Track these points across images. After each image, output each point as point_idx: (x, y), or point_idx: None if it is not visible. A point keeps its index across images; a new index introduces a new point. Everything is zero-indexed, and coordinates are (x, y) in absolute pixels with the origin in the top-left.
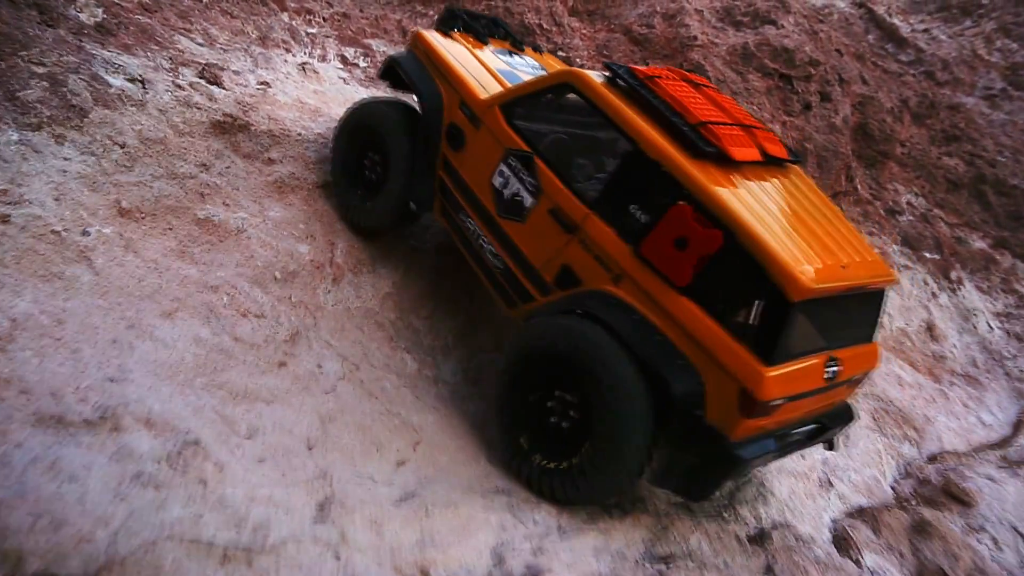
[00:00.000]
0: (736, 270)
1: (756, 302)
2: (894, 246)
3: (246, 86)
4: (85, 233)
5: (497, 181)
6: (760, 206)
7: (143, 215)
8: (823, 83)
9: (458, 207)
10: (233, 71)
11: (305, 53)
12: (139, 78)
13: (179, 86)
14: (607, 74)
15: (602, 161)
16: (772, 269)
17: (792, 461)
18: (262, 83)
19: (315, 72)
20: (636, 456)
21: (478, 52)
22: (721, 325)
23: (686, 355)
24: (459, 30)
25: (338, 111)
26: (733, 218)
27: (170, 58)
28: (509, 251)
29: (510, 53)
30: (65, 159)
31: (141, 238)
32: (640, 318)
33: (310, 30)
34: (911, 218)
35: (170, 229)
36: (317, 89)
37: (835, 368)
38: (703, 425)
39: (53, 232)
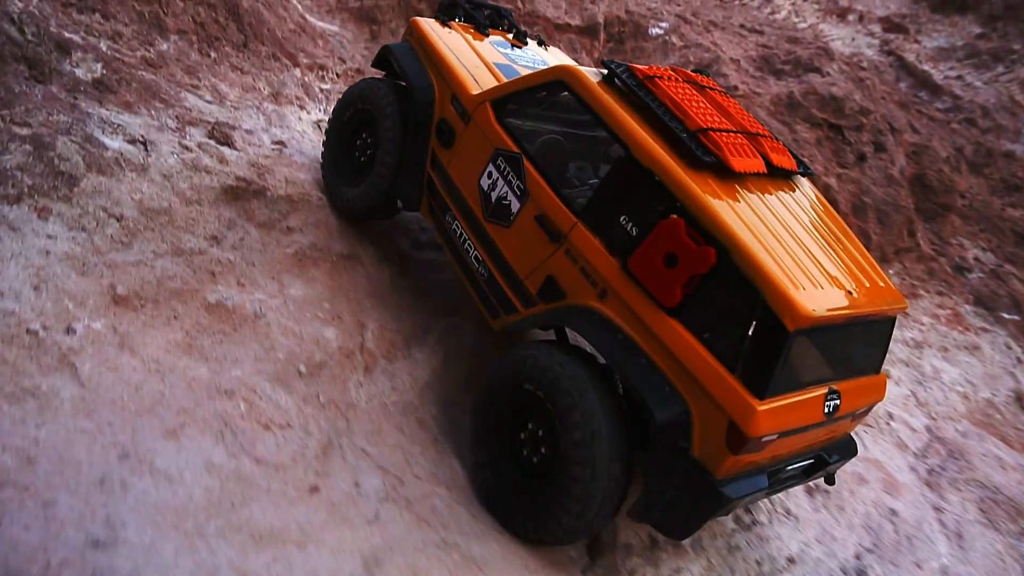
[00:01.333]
0: (729, 293)
1: (750, 329)
2: (967, 306)
3: (260, 146)
4: (70, 331)
5: (485, 183)
6: (760, 223)
7: (143, 302)
8: (875, 132)
9: (445, 208)
10: (245, 130)
11: (320, 110)
12: (141, 139)
13: (186, 147)
14: (604, 72)
15: (593, 166)
16: (769, 294)
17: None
18: (277, 142)
19: None
20: (606, 498)
21: (476, 44)
22: (711, 352)
23: (672, 382)
24: (459, 20)
25: None
26: (728, 235)
27: (176, 116)
28: (494, 258)
29: (511, 46)
30: (49, 237)
31: (140, 331)
32: (624, 338)
33: (324, 86)
34: (981, 275)
35: (175, 318)
36: None
37: (835, 402)
38: (688, 458)
39: (29, 332)
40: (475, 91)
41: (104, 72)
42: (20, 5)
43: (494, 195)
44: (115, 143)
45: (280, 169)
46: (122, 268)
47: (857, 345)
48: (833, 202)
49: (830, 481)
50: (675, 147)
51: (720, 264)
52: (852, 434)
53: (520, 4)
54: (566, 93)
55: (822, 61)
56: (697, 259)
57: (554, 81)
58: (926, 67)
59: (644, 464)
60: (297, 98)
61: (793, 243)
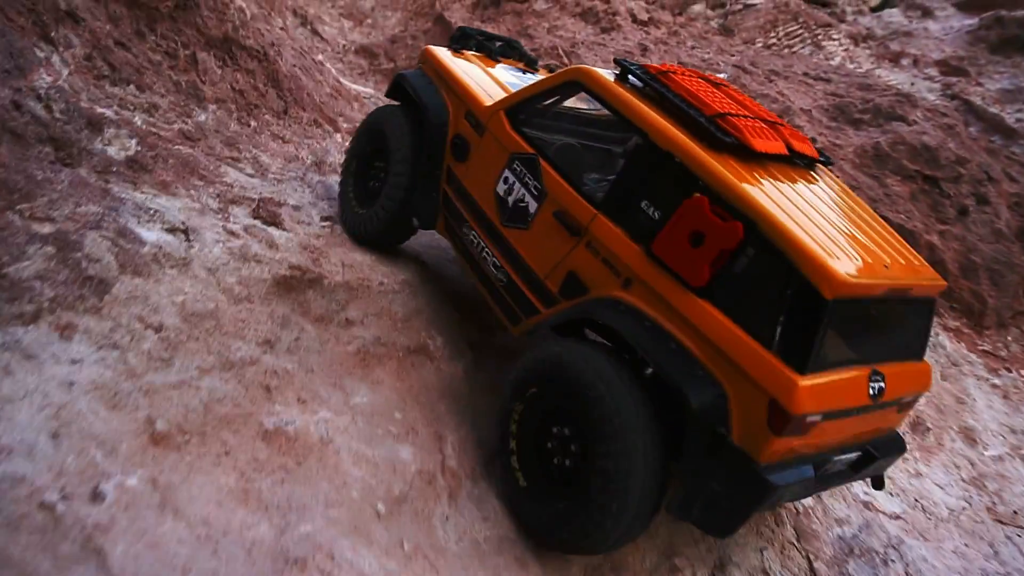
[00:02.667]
0: (760, 266)
1: (784, 302)
2: None
3: (310, 224)
4: (97, 496)
5: (501, 188)
6: (786, 200)
7: (187, 437)
8: (975, 183)
9: (461, 219)
10: (292, 206)
11: None
12: (181, 227)
13: (232, 233)
14: (617, 71)
15: (611, 161)
16: (802, 262)
17: None
18: (326, 219)
19: None
20: (639, 501)
21: (488, 68)
22: (745, 330)
23: (706, 365)
24: (472, 50)
25: (415, 246)
26: (755, 208)
27: (218, 195)
28: (512, 262)
29: (523, 71)
30: (73, 362)
31: (184, 479)
32: (652, 324)
33: None
34: None
35: (226, 454)
36: None
37: (880, 384)
38: (727, 446)
39: (44, 507)
40: (488, 104)
41: (139, 149)
42: (48, 80)
43: (511, 199)
44: (152, 235)
45: (334, 251)
46: (162, 394)
47: (897, 325)
48: (939, 263)
49: (878, 485)
50: (694, 131)
51: (748, 238)
52: (899, 431)
53: (566, 60)
54: (581, 93)
55: (905, 108)
56: (724, 234)
57: (569, 82)
58: (994, 110)
59: (682, 456)
60: (341, 166)
61: (822, 220)
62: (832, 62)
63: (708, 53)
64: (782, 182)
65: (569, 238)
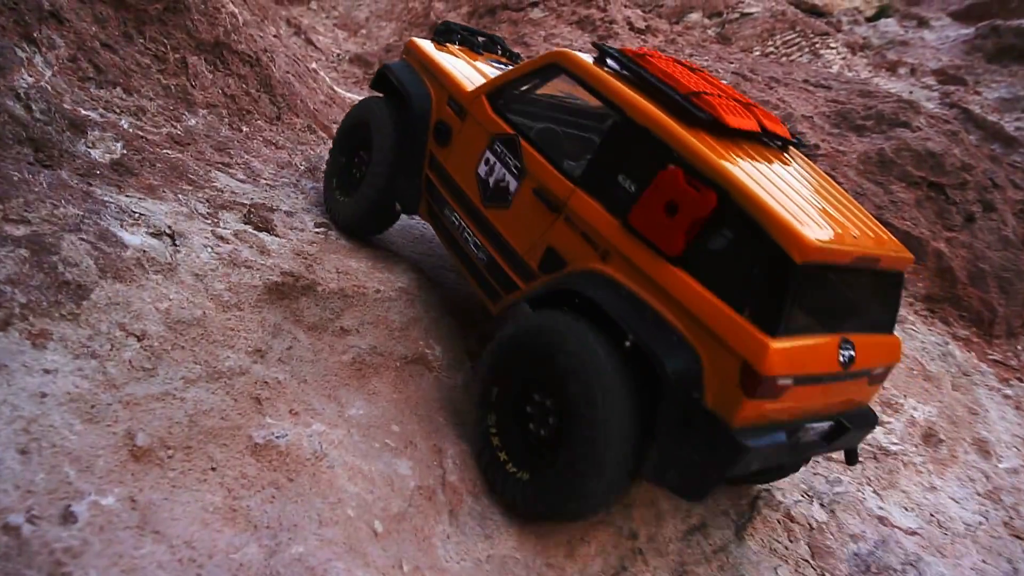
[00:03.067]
0: (733, 234)
1: (756, 267)
2: None
3: (303, 230)
4: (68, 518)
5: (482, 170)
6: (759, 174)
7: (170, 452)
8: (980, 190)
9: (443, 202)
10: (285, 211)
11: None
12: (167, 231)
13: (221, 238)
14: (596, 55)
15: (589, 139)
16: (773, 228)
17: None
18: (320, 225)
19: None
20: (619, 462)
21: (471, 60)
22: (718, 296)
23: (680, 332)
24: (455, 44)
25: (412, 254)
26: (727, 178)
27: (207, 200)
28: (493, 240)
29: (505, 65)
30: (46, 372)
31: (167, 497)
32: (629, 294)
33: None
34: None
35: (212, 469)
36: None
37: (850, 353)
38: (701, 410)
39: (7, 529)
40: (470, 90)
41: (125, 152)
42: (29, 80)
43: (491, 180)
44: (136, 238)
45: (329, 257)
46: (144, 406)
47: (867, 297)
48: (947, 270)
49: (852, 460)
50: (669, 108)
51: (721, 207)
52: (871, 406)
53: None
54: (561, 77)
55: (908, 115)
56: (698, 203)
57: (549, 65)
58: (993, 118)
59: (657, 421)
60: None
61: (793, 193)
62: (831, 70)
63: (706, 60)
64: (755, 158)
65: (548, 214)
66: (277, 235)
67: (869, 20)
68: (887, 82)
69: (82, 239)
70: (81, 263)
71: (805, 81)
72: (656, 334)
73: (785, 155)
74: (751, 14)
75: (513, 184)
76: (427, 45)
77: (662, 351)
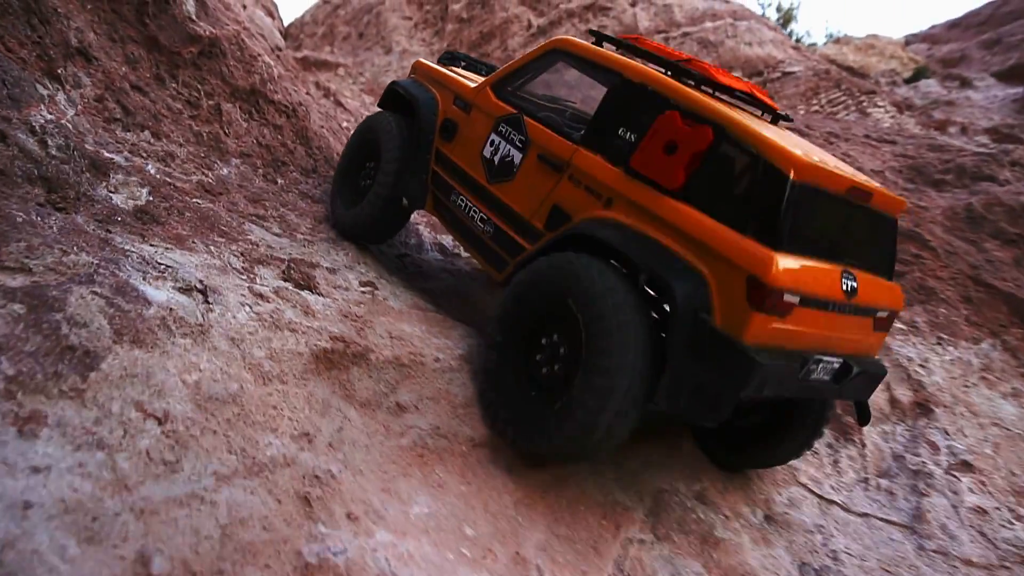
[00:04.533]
0: (729, 163)
1: (754, 189)
2: None
3: (348, 289)
4: None
5: (487, 151)
6: (750, 118)
7: None
8: None
9: (450, 189)
10: (327, 268)
11: (399, 242)
12: (199, 285)
13: (260, 295)
14: (593, 40)
15: (587, 108)
16: (767, 151)
17: None
18: (366, 284)
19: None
20: (632, 392)
21: (475, 77)
22: (720, 221)
23: (686, 258)
24: (460, 68)
25: (461, 316)
26: (722, 114)
27: (241, 254)
28: (499, 211)
29: None
30: (35, 471)
31: None
32: (633, 231)
33: None
34: None
35: None
36: (428, 287)
37: (852, 284)
38: (710, 330)
39: None
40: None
41: (151, 199)
42: (48, 116)
43: (497, 158)
44: (161, 294)
45: (379, 320)
46: (162, 514)
47: (864, 236)
48: None
49: (864, 418)
50: (664, 70)
51: (717, 139)
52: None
53: None
54: (561, 61)
55: (992, 168)
56: (695, 138)
57: (550, 51)
58: None
59: (668, 347)
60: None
61: (784, 136)
62: (882, 127)
63: None
64: (746, 112)
65: (552, 175)
66: (320, 294)
67: (907, 81)
68: (939, 140)
69: (95, 293)
70: (91, 323)
71: (866, 136)
72: (663, 261)
73: (776, 124)
74: (793, 73)
75: (518, 157)
76: (433, 63)
77: (670, 275)
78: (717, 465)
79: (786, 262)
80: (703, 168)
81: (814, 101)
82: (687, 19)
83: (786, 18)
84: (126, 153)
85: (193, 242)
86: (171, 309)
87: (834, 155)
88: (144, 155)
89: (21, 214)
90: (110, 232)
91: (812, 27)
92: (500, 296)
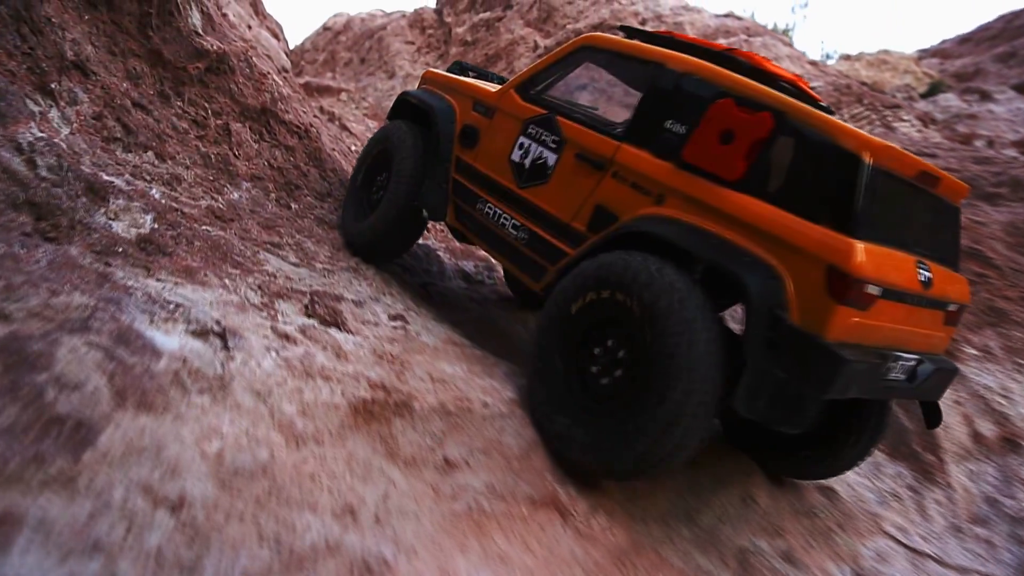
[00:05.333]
0: (796, 150)
1: (826, 175)
2: None
3: (377, 324)
4: None
5: (516, 155)
6: (808, 105)
7: None
8: None
9: (475, 198)
10: (352, 301)
11: (421, 269)
12: (215, 327)
13: (286, 336)
14: (623, 35)
15: (624, 104)
16: (839, 135)
17: None
18: (395, 318)
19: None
20: (704, 397)
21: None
22: (789, 210)
23: (753, 252)
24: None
25: (520, 347)
26: (781, 100)
27: (259, 287)
28: (533, 217)
29: None
30: None
31: None
32: (692, 227)
33: (420, 240)
34: None
35: None
36: (457, 319)
37: (927, 274)
38: (788, 328)
39: None
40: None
41: (155, 227)
42: (38, 133)
43: (527, 161)
44: (173, 340)
45: (415, 359)
46: None
47: (932, 223)
48: None
49: (934, 420)
50: (706, 58)
51: (779, 126)
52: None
53: None
54: (589, 59)
55: None
56: (755, 125)
57: (579, 49)
58: None
59: (744, 347)
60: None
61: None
62: (915, 140)
63: None
64: (799, 100)
65: (593, 174)
66: (350, 331)
67: (924, 96)
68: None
69: (90, 344)
70: (86, 384)
71: (905, 150)
72: (729, 256)
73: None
74: (814, 88)
75: (552, 158)
76: (444, 72)
77: (741, 270)
78: (769, 473)
79: (865, 247)
80: (764, 156)
81: (836, 116)
82: (699, 36)
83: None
84: (127, 176)
85: (205, 275)
86: (185, 360)
87: None
88: (147, 178)
89: (1, 245)
90: (110, 265)
91: (807, 48)
92: (532, 325)
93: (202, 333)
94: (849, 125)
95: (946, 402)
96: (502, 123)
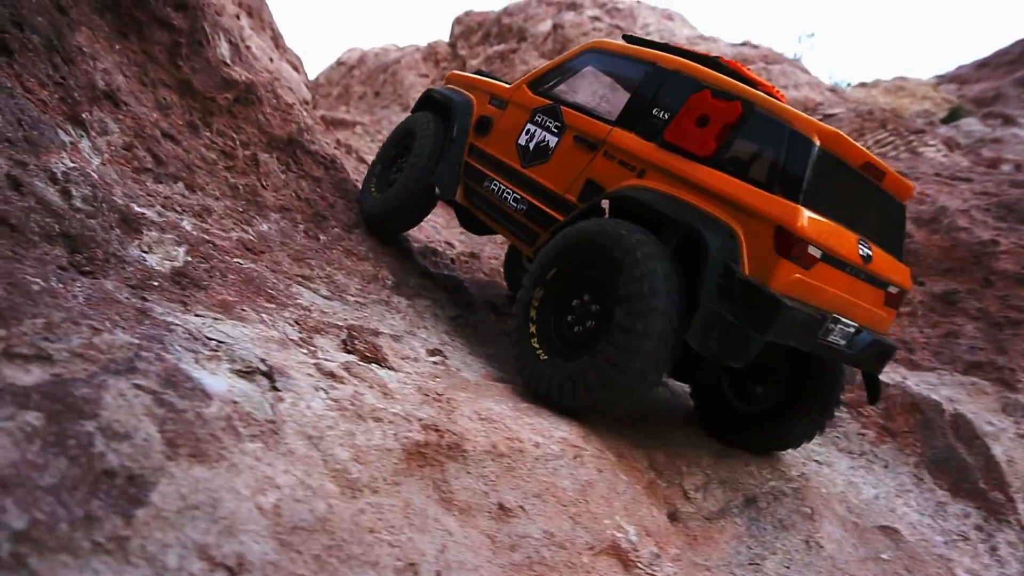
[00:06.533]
0: (757, 133)
1: (780, 153)
2: None
3: (417, 360)
4: None
5: (523, 140)
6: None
7: None
8: None
9: (483, 177)
10: (389, 335)
11: (449, 301)
12: (261, 367)
13: (331, 375)
14: (624, 40)
15: (619, 99)
16: (794, 121)
17: None
18: (434, 352)
19: None
20: (664, 334)
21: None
22: (749, 182)
23: (717, 216)
24: None
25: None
26: (750, 94)
27: (296, 321)
28: (533, 191)
29: None
30: None
31: None
32: (667, 194)
33: (443, 272)
34: None
35: None
36: (491, 352)
37: (868, 251)
38: (740, 279)
39: None
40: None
41: (189, 259)
42: (70, 163)
43: (532, 144)
44: (220, 381)
45: (459, 396)
46: None
47: (875, 212)
48: None
49: (874, 395)
50: (695, 61)
51: (746, 113)
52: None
53: None
54: (594, 64)
55: None
56: (726, 111)
57: (586, 51)
58: None
59: (700, 293)
60: (425, 288)
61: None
62: (944, 164)
63: None
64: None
65: (587, 153)
66: (392, 368)
67: (945, 121)
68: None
69: (138, 387)
70: (136, 432)
71: (936, 175)
72: (695, 217)
73: None
74: (835, 115)
75: (553, 141)
76: (467, 72)
77: (703, 228)
78: (736, 447)
79: (810, 216)
80: (733, 138)
81: (860, 142)
82: None
83: None
84: (158, 207)
85: (242, 309)
86: (235, 403)
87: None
88: (179, 209)
89: (38, 280)
90: (147, 300)
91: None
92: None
93: (248, 373)
94: (803, 114)
95: (1010, 436)
96: (513, 113)
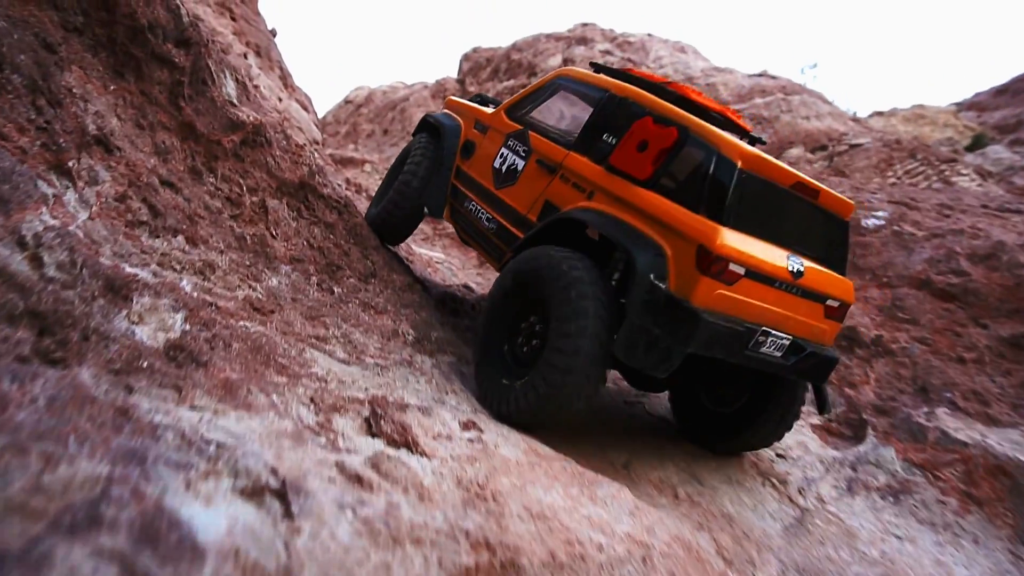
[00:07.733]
0: (690, 157)
1: (707, 176)
2: None
3: (450, 438)
4: None
5: (497, 162)
6: (717, 128)
7: None
8: None
9: (464, 198)
10: (417, 407)
11: (468, 356)
12: (272, 482)
13: (357, 479)
14: (592, 71)
15: (579, 122)
16: (720, 145)
17: None
18: (467, 425)
19: None
20: (593, 351)
21: None
22: (679, 203)
23: (649, 235)
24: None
25: (589, 450)
26: (686, 119)
27: (311, 399)
28: (502, 211)
29: None
30: None
31: None
32: (607, 215)
33: (464, 321)
34: None
35: None
36: None
37: (799, 267)
38: (665, 294)
39: None
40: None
41: (187, 327)
42: (49, 221)
43: (504, 167)
44: (217, 517)
45: (503, 485)
46: None
47: (814, 229)
48: None
49: (822, 406)
50: (646, 89)
51: (681, 138)
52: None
53: None
54: (563, 89)
55: None
56: (662, 136)
57: (555, 79)
58: None
59: (627, 306)
60: (448, 343)
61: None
62: (982, 194)
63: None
64: (717, 126)
65: (547, 176)
66: (424, 453)
67: (968, 149)
68: None
69: (98, 553)
70: None
71: (984, 207)
72: (629, 237)
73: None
74: (861, 144)
75: (521, 164)
76: (463, 99)
77: (634, 248)
78: (708, 449)
79: (731, 235)
80: (669, 162)
81: (889, 172)
82: (734, 96)
83: None
84: (154, 266)
85: (249, 391)
86: (236, 552)
87: (957, 227)
88: (177, 267)
89: None
90: (131, 392)
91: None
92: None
93: (255, 492)
94: (734, 140)
95: None
96: (491, 137)
